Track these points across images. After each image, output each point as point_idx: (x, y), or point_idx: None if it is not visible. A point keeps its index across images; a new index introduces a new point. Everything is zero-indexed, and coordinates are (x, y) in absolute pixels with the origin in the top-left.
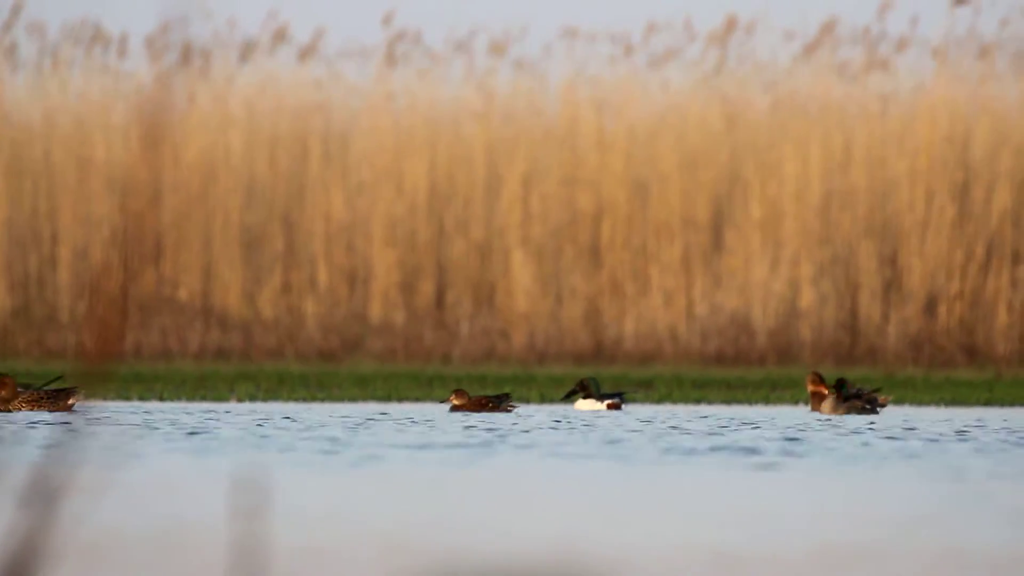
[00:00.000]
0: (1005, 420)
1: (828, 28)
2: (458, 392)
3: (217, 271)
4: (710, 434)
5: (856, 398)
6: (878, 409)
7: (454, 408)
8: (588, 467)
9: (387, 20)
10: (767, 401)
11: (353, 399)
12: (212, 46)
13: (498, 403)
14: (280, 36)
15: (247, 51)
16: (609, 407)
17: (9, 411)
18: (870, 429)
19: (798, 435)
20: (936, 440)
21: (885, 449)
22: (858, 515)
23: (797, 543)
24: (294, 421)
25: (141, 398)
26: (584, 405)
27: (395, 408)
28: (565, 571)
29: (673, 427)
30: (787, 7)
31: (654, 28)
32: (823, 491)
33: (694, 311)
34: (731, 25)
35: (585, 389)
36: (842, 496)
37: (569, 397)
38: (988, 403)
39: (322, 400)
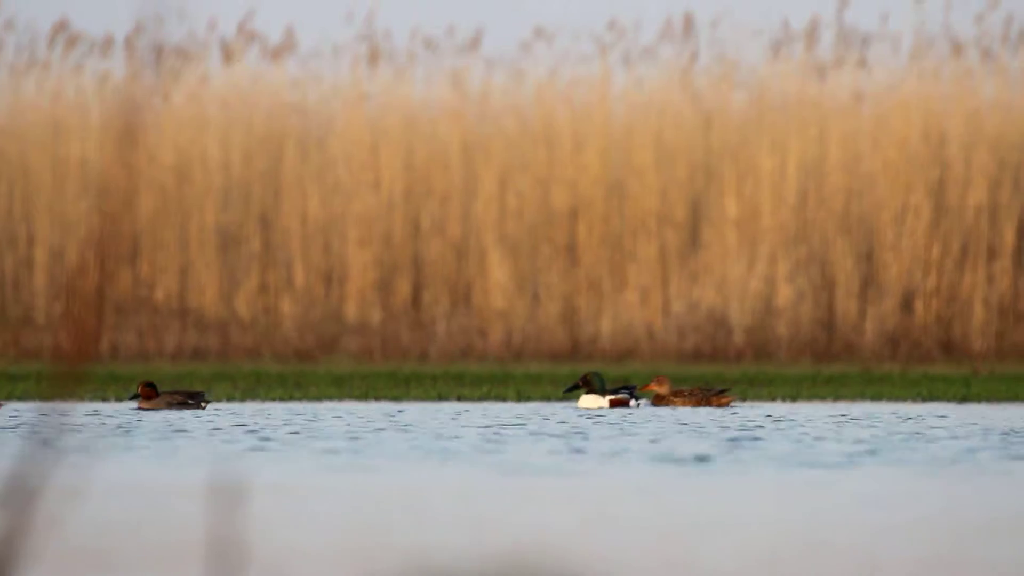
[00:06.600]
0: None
1: (800, 24)
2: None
3: (193, 271)
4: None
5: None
6: (203, 404)
7: None
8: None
9: (362, 19)
10: (744, 398)
11: (330, 398)
12: (187, 46)
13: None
14: (254, 36)
15: (222, 51)
16: (612, 404)
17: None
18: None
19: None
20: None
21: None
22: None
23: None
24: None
25: (118, 399)
26: (587, 402)
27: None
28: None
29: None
30: (761, 4)
31: (628, 26)
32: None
33: (671, 308)
34: (703, 22)
35: (588, 384)
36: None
37: (571, 392)
38: (965, 399)
39: (299, 399)
